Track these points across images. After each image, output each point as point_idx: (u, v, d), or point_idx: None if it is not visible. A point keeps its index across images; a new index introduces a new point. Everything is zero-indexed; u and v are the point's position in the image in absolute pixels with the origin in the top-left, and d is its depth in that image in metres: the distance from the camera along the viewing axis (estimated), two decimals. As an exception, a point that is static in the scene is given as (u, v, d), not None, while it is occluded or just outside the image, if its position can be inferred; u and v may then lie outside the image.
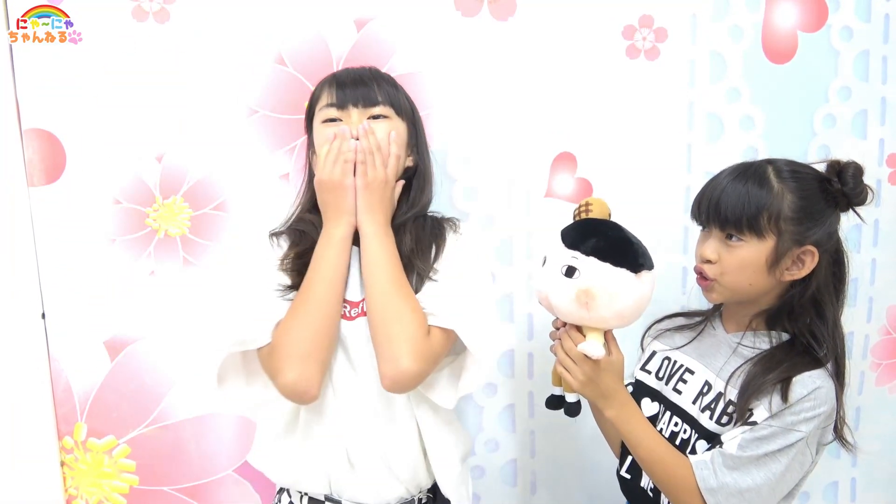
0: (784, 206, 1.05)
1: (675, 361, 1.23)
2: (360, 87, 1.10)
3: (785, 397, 1.04)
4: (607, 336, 1.11)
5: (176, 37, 1.30)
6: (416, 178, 1.16)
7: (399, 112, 1.12)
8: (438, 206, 1.44)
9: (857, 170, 1.09)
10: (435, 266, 1.10)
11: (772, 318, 1.14)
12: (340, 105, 1.09)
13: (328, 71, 1.34)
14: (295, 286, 1.07)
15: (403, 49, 1.38)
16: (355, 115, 1.09)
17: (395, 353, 1.00)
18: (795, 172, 1.09)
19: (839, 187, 1.08)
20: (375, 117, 1.09)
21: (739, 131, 1.54)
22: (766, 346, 1.12)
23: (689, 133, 1.53)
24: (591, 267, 1.03)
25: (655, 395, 1.22)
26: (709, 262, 1.11)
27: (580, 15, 1.44)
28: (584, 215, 1.12)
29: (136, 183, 1.32)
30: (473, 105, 1.43)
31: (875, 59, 1.58)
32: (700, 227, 1.16)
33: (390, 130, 1.08)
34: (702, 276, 1.13)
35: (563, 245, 1.07)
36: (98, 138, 1.30)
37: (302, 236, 1.13)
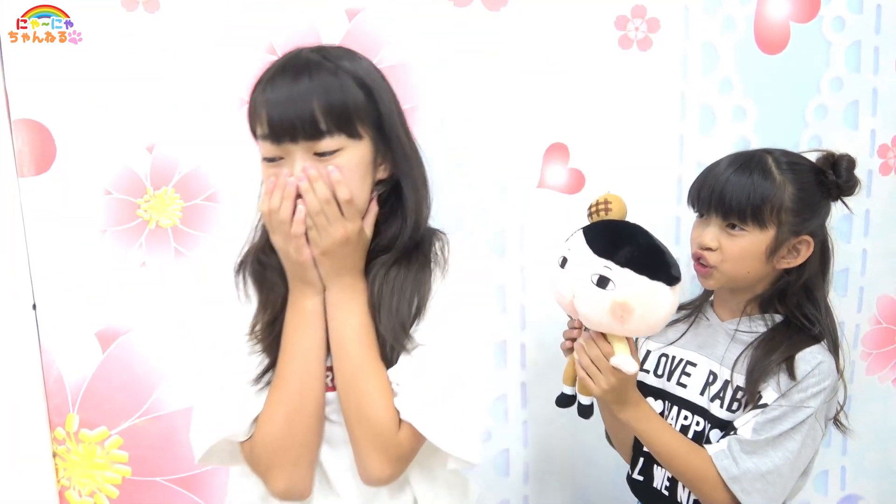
0: (786, 197, 1.09)
1: (674, 357, 1.23)
2: (298, 111, 0.83)
3: (792, 375, 1.07)
4: (629, 343, 1.09)
5: (166, 26, 1.29)
6: (393, 193, 0.94)
7: (354, 133, 0.86)
8: (433, 201, 1.44)
9: (851, 162, 1.13)
10: (413, 332, 0.91)
11: (765, 303, 1.16)
12: (276, 139, 0.85)
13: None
14: (272, 364, 0.91)
15: (395, 39, 1.37)
16: (298, 153, 0.85)
17: (361, 456, 0.89)
18: (794, 164, 1.12)
19: (834, 179, 1.12)
20: (323, 154, 0.85)
21: (732, 122, 1.55)
22: (762, 329, 1.15)
23: (681, 124, 1.53)
24: (626, 279, 1.00)
25: (658, 393, 1.23)
26: (708, 249, 1.12)
27: (573, 5, 1.44)
28: (602, 214, 1.10)
29: (127, 174, 1.32)
30: (465, 95, 1.42)
31: (867, 49, 1.58)
32: (697, 215, 1.17)
33: (344, 165, 0.86)
34: (699, 263, 1.15)
35: (589, 250, 1.04)
36: (88, 129, 1.29)
37: (269, 291, 0.94)
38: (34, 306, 1.32)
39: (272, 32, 1.33)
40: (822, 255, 1.17)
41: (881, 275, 1.68)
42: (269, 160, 0.87)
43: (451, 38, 1.40)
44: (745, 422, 1.08)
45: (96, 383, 1.36)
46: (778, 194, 1.08)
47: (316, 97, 0.84)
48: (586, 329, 1.10)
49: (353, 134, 0.86)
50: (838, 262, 1.62)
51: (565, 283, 1.06)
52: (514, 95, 1.44)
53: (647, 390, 1.23)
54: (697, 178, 1.17)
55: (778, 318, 1.16)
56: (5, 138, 1.26)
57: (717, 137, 1.54)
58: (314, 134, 0.84)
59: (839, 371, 1.13)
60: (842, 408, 1.17)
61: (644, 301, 1.01)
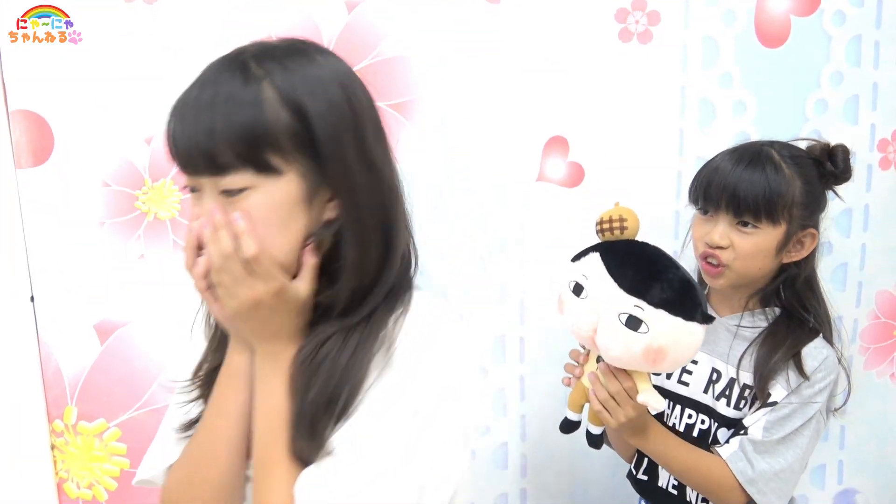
0: (796, 192, 1.09)
1: None
2: (194, 134, 0.67)
3: (801, 371, 1.08)
4: (649, 377, 1.07)
5: (164, 17, 1.28)
6: (343, 243, 0.72)
7: (267, 167, 0.68)
8: (433, 195, 1.44)
9: (846, 152, 1.14)
10: (331, 431, 0.71)
11: (766, 297, 1.16)
12: (180, 167, 0.71)
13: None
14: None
15: (394, 32, 1.37)
16: (206, 187, 0.70)
17: None
18: (797, 157, 1.12)
19: (832, 169, 1.13)
20: (230, 193, 0.68)
21: (731, 116, 1.54)
22: (763, 324, 1.15)
23: (680, 118, 1.52)
24: (662, 323, 0.95)
25: (660, 392, 1.22)
26: (719, 247, 1.11)
27: (573, -3, 1.44)
28: (617, 234, 1.04)
29: (125, 165, 1.31)
30: (465, 88, 1.42)
31: (867, 44, 1.58)
32: (700, 212, 1.15)
33: (253, 208, 0.68)
34: (708, 263, 1.13)
35: (614, 284, 0.97)
36: (86, 120, 1.28)
37: (219, 336, 0.82)
38: (32, 298, 1.31)
39: (271, 25, 1.32)
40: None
41: (880, 270, 1.68)
42: (190, 189, 0.72)
43: (451, 31, 1.39)
44: (756, 420, 1.08)
45: (94, 375, 1.35)
46: (790, 190, 1.08)
47: (219, 118, 0.66)
48: (599, 359, 1.06)
49: (264, 168, 0.68)
50: (837, 256, 1.64)
51: (584, 316, 1.00)
52: (513, 88, 1.44)
53: None
54: (700, 174, 1.16)
55: (777, 311, 1.16)
56: (3, 129, 1.26)
57: (717, 131, 1.53)
58: (212, 167, 0.67)
59: (840, 360, 1.14)
60: (847, 397, 1.20)
61: (680, 345, 0.97)
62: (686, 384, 1.20)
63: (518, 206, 1.48)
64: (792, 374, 1.09)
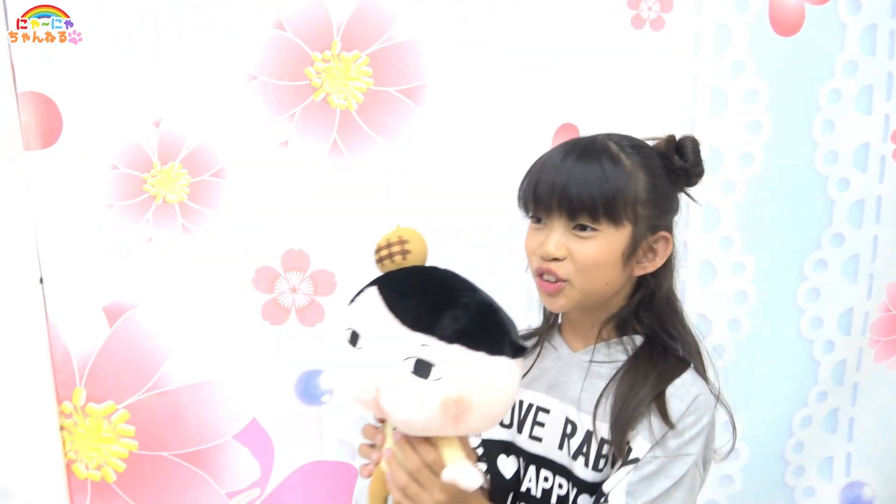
0: (639, 186, 0.90)
1: (522, 401, 1.00)
2: None
3: (665, 418, 0.87)
4: (463, 443, 0.83)
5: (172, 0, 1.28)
6: None
7: None
8: (443, 181, 1.43)
9: (696, 143, 0.96)
10: None
11: (623, 323, 0.95)
12: None
13: (328, 37, 1.33)
14: None
15: (404, 16, 1.36)
16: None
17: None
18: (639, 147, 0.94)
19: (681, 163, 0.94)
20: None
21: (743, 105, 1.53)
22: (622, 357, 0.94)
23: (692, 106, 1.51)
24: (458, 362, 0.73)
25: (510, 448, 1.01)
26: (555, 260, 0.90)
27: (586, -17, 1.42)
28: (399, 260, 0.81)
29: (134, 148, 1.31)
30: (474, 74, 1.41)
31: (882, 33, 1.56)
32: (532, 221, 0.95)
33: None
34: (545, 280, 0.92)
35: (394, 319, 0.75)
36: (95, 103, 1.28)
37: None
38: (41, 280, 1.32)
39: (280, 7, 1.31)
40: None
41: (891, 262, 1.67)
42: None
43: (462, 16, 1.38)
44: (617, 482, 0.87)
45: (103, 358, 1.36)
46: (632, 183, 0.89)
47: None
48: (395, 429, 0.83)
49: None
50: (849, 248, 1.63)
51: (362, 372, 0.77)
52: (523, 74, 1.42)
53: (495, 446, 1.01)
54: (527, 174, 0.96)
55: (639, 339, 0.95)
56: (12, 111, 1.26)
57: (729, 120, 1.52)
58: None
59: (715, 393, 0.94)
60: (733, 444, 0.99)
61: (485, 391, 0.75)
62: (539, 439, 0.97)
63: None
64: (655, 422, 0.87)
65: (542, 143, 1.46)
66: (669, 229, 0.94)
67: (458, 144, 1.42)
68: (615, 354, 0.94)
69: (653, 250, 0.93)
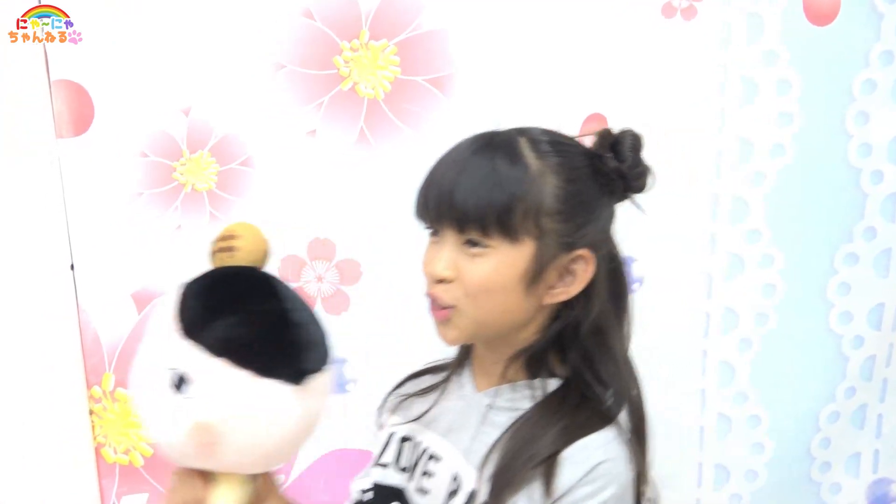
0: (546, 192, 0.73)
1: (419, 442, 0.85)
2: None
3: (548, 486, 0.70)
4: (243, 480, 0.68)
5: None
6: None
7: None
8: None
9: (637, 139, 0.79)
10: None
11: (534, 362, 0.78)
12: None
13: (357, 26, 1.32)
14: None
15: (432, 5, 1.35)
16: None
17: None
18: (558, 144, 0.78)
19: (615, 165, 0.77)
20: None
21: (775, 95, 1.50)
22: (527, 404, 0.77)
23: (721, 97, 1.49)
24: (215, 379, 0.61)
25: (400, 497, 0.85)
26: (443, 281, 0.75)
27: (615, -29, 1.41)
28: (225, 257, 0.69)
29: (163, 136, 1.32)
30: (502, 63, 1.40)
31: (920, 22, 1.53)
32: (431, 234, 0.79)
33: None
34: (436, 304, 0.76)
35: (175, 319, 0.64)
36: (126, 90, 1.29)
37: None
38: (72, 267, 1.34)
39: (308, -3, 1.31)
40: (613, 279, 0.80)
41: (924, 256, 1.64)
42: None
43: (490, 5, 1.37)
44: None
45: (132, 344, 1.38)
46: (535, 189, 0.72)
47: None
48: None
49: None
50: (881, 242, 1.60)
51: (134, 386, 0.67)
52: (551, 63, 1.41)
53: (386, 493, 0.86)
54: (428, 173, 0.79)
55: (553, 383, 0.78)
56: (45, 99, 1.27)
57: (759, 111, 1.50)
58: None
59: (642, 464, 0.76)
60: (647, 483, 0.77)
61: (246, 418, 0.61)
62: (425, 492, 0.81)
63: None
64: (539, 489, 0.71)
65: (570, 134, 1.45)
66: (594, 245, 0.76)
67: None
68: (519, 400, 0.78)
69: (570, 272, 0.75)
